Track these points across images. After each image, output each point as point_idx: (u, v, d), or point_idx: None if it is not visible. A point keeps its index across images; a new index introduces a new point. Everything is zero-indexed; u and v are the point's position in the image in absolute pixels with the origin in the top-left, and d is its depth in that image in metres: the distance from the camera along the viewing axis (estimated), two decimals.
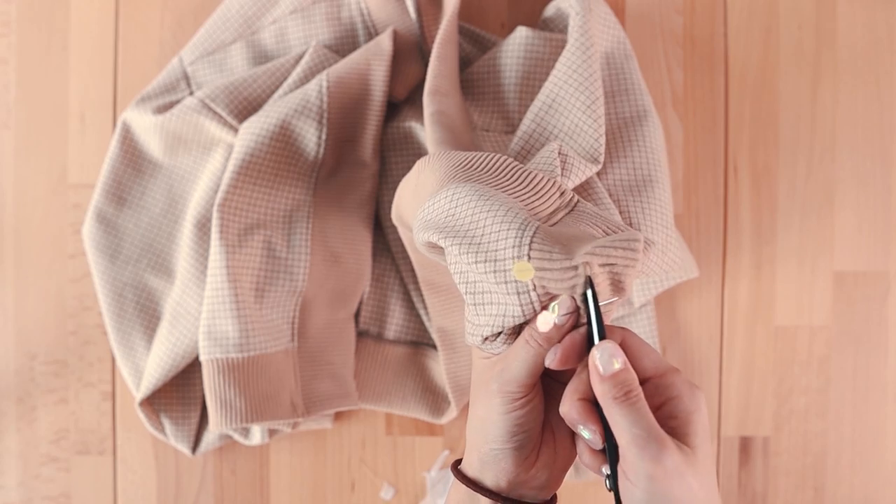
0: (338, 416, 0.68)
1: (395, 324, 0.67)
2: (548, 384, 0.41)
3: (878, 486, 0.67)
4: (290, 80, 0.63)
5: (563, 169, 0.47)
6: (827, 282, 0.67)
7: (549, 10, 0.63)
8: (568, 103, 0.51)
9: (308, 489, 0.68)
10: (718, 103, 0.67)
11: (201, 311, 0.61)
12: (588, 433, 0.36)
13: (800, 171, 0.67)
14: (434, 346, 0.67)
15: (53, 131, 0.68)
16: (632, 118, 0.57)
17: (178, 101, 0.65)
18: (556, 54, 0.60)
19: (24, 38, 0.68)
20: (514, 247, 0.37)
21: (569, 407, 0.37)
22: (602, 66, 0.57)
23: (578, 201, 0.44)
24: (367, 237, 0.65)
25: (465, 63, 0.65)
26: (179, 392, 0.66)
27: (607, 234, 0.41)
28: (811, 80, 0.67)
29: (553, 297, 0.37)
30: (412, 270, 0.65)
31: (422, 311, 0.66)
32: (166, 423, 0.65)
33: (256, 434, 0.65)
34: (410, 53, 0.64)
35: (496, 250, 0.38)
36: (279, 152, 0.61)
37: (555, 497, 0.42)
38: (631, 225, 0.52)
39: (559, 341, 0.37)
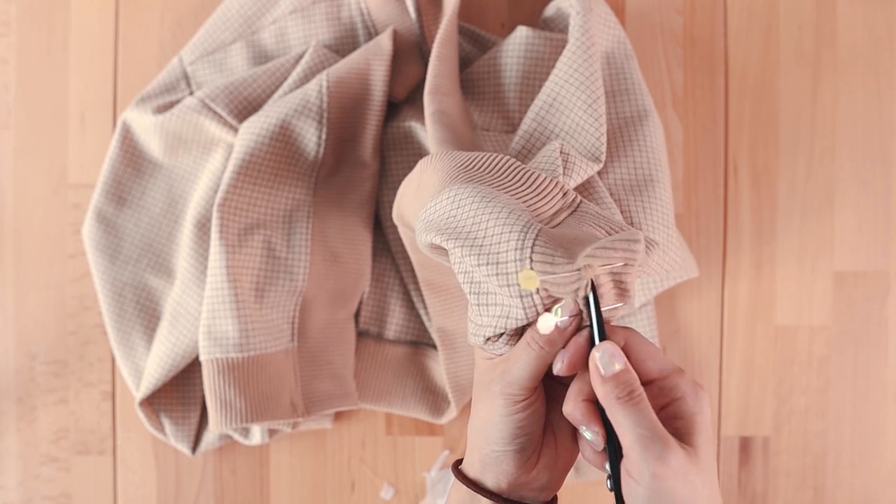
0: (338, 416, 0.68)
1: (395, 324, 0.67)
2: (549, 385, 0.41)
3: (878, 486, 0.68)
4: (290, 80, 0.63)
5: (564, 168, 0.47)
6: (827, 282, 0.67)
7: (550, 10, 0.63)
8: (569, 102, 0.51)
9: (308, 489, 0.68)
10: (718, 103, 0.67)
11: (201, 311, 0.61)
12: (591, 434, 0.37)
13: (800, 171, 0.67)
14: (434, 346, 0.67)
15: (53, 131, 0.68)
16: (632, 118, 0.57)
17: (178, 101, 0.65)
18: (557, 54, 0.60)
19: (24, 38, 0.68)
20: (516, 250, 0.37)
21: (572, 408, 0.37)
22: (602, 65, 0.57)
23: (581, 202, 0.44)
24: (367, 237, 0.65)
25: (465, 63, 0.65)
26: (179, 392, 0.66)
27: (610, 235, 0.41)
28: (811, 80, 0.67)
29: (556, 300, 0.37)
30: (412, 270, 0.65)
31: (422, 311, 0.66)
32: (166, 423, 0.65)
33: (256, 434, 0.65)
34: (410, 53, 0.64)
35: (497, 253, 0.38)
36: (279, 152, 0.61)
37: (555, 498, 0.42)
38: (632, 224, 0.52)
39: (563, 345, 0.38)
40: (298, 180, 0.62)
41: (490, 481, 0.40)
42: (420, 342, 0.68)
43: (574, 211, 0.43)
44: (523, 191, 0.42)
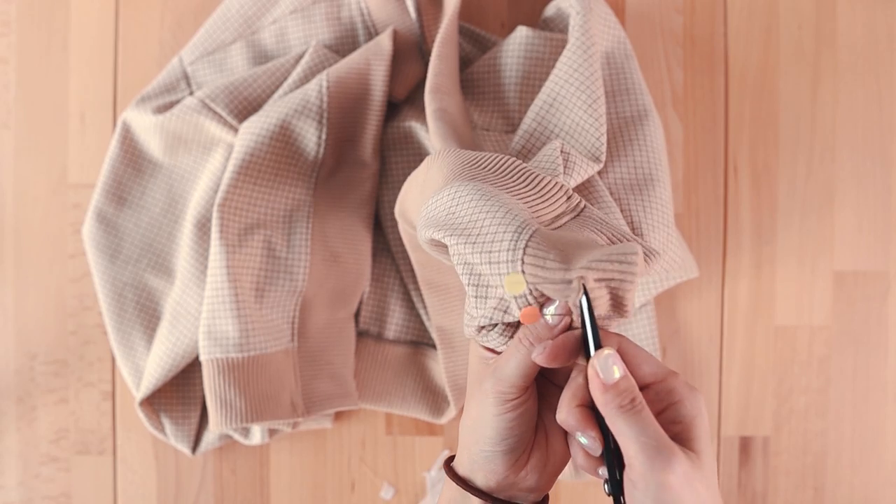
0: (338, 416, 0.68)
1: (395, 324, 0.67)
2: (543, 386, 0.41)
3: (878, 486, 0.67)
4: (290, 80, 0.63)
5: (565, 167, 0.47)
6: (827, 282, 0.67)
7: (550, 10, 0.63)
8: (569, 102, 0.51)
9: (308, 489, 0.68)
10: (718, 103, 0.67)
11: (201, 311, 0.61)
12: (586, 440, 0.36)
13: (800, 171, 0.67)
14: (434, 346, 0.67)
15: (53, 131, 0.68)
16: (632, 117, 0.57)
17: (178, 101, 0.65)
18: (557, 54, 0.60)
19: (24, 38, 0.68)
20: (508, 250, 0.37)
21: (566, 414, 0.37)
22: (602, 65, 0.57)
23: (585, 206, 0.44)
24: (367, 237, 0.65)
25: (465, 63, 0.65)
26: (179, 392, 0.66)
27: (612, 242, 0.41)
28: (811, 80, 0.67)
29: (549, 299, 0.37)
30: (412, 270, 0.65)
31: (422, 311, 0.66)
32: (166, 422, 0.65)
33: (256, 434, 0.65)
34: (410, 53, 0.64)
35: (490, 252, 0.38)
36: (279, 152, 0.61)
37: (546, 498, 0.42)
38: (632, 224, 0.52)
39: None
40: (298, 180, 0.62)
41: (479, 480, 0.40)
42: (420, 342, 0.68)
43: (577, 215, 0.43)
44: (526, 192, 0.42)
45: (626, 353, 0.37)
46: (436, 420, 0.66)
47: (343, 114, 0.62)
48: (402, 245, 0.66)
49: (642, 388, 0.37)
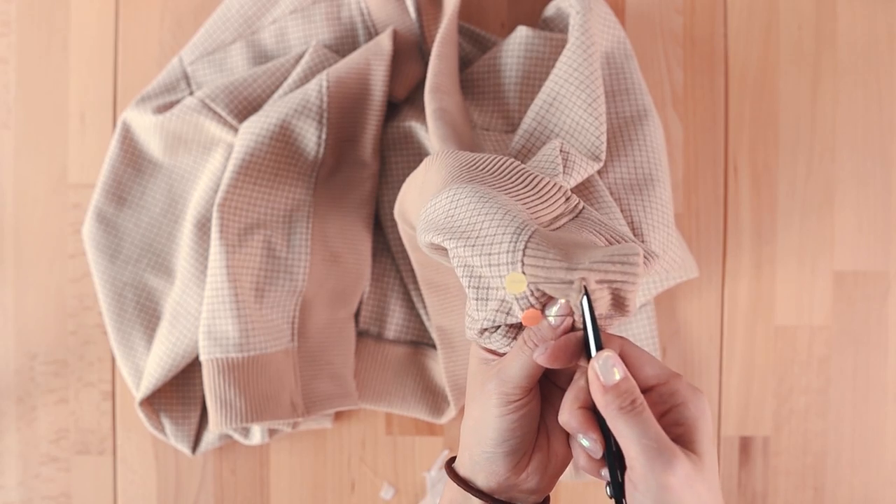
0: (338, 416, 0.68)
1: (395, 323, 0.67)
2: (545, 388, 0.41)
3: (878, 486, 0.67)
4: (290, 80, 0.63)
5: (564, 167, 0.47)
6: (827, 282, 0.67)
7: (550, 10, 0.63)
8: (569, 101, 0.51)
9: (308, 489, 0.68)
10: (718, 103, 0.67)
11: (201, 311, 0.61)
12: (588, 442, 0.36)
13: (800, 171, 0.67)
14: (434, 346, 0.67)
15: (53, 131, 0.68)
16: (632, 117, 0.57)
17: (178, 101, 0.65)
18: (557, 54, 0.60)
19: (24, 38, 0.68)
20: (508, 252, 0.37)
21: (568, 416, 0.37)
22: (602, 65, 0.57)
23: (584, 208, 0.43)
24: (367, 237, 0.65)
25: (465, 63, 0.65)
26: (179, 392, 0.66)
27: (610, 244, 0.41)
28: (811, 80, 0.67)
29: (551, 299, 0.37)
30: (412, 270, 0.65)
31: (422, 311, 0.66)
32: (166, 422, 0.65)
33: (256, 434, 0.65)
34: (410, 53, 0.64)
35: (490, 254, 0.38)
36: (279, 152, 0.61)
37: (548, 499, 0.42)
38: (632, 224, 0.52)
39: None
40: (298, 180, 0.62)
41: (481, 481, 0.40)
42: (420, 342, 0.68)
43: (576, 217, 0.43)
44: (525, 194, 0.42)
45: (629, 356, 0.37)
46: (436, 420, 0.66)
47: (343, 114, 0.62)
48: (402, 245, 0.66)
49: (645, 390, 0.37)
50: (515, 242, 0.37)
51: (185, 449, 0.66)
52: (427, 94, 0.56)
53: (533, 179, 0.43)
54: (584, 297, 0.35)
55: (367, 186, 0.65)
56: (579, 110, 0.51)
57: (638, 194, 0.53)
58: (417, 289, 0.66)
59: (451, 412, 0.65)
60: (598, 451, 0.36)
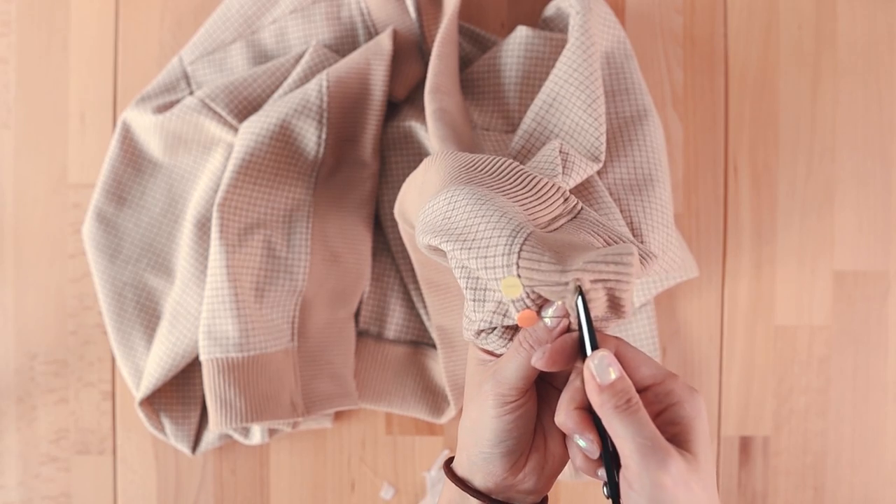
0: (338, 416, 0.68)
1: (395, 323, 0.67)
2: (542, 388, 0.41)
3: (878, 486, 0.67)
4: (290, 80, 0.63)
5: (564, 167, 0.47)
6: (827, 282, 0.67)
7: (550, 10, 0.63)
8: (569, 102, 0.51)
9: (308, 489, 0.68)
10: (718, 103, 0.67)
11: (201, 311, 0.61)
12: (585, 442, 0.36)
13: (800, 171, 0.67)
14: (434, 346, 0.67)
15: (53, 131, 0.68)
16: (632, 117, 0.57)
17: (178, 101, 0.65)
18: (557, 54, 0.60)
19: (24, 38, 0.68)
20: (504, 255, 0.37)
21: (564, 416, 0.37)
22: (602, 65, 0.57)
23: (582, 209, 0.43)
24: (367, 237, 0.65)
25: (465, 63, 0.65)
26: (179, 392, 0.66)
27: (608, 244, 0.41)
28: (811, 80, 0.67)
29: (547, 301, 0.37)
30: (412, 270, 0.65)
31: (422, 311, 0.66)
32: (166, 422, 0.65)
33: (256, 434, 0.65)
34: (410, 53, 0.64)
35: (486, 257, 0.38)
36: (279, 152, 0.61)
37: (545, 499, 0.42)
38: (632, 224, 0.52)
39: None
40: (298, 180, 0.62)
41: (478, 481, 0.40)
42: (420, 342, 0.68)
43: (574, 217, 0.43)
44: (524, 195, 0.42)
45: (625, 356, 0.37)
46: (436, 420, 0.66)
47: (343, 113, 0.62)
48: (402, 245, 0.66)
49: (641, 390, 0.37)
50: (511, 245, 0.37)
51: (185, 449, 0.66)
52: (427, 95, 0.56)
53: (531, 180, 0.43)
54: (579, 297, 0.35)
55: (367, 186, 0.65)
56: (579, 111, 0.51)
57: (637, 194, 0.53)
58: (417, 288, 0.66)
59: (450, 412, 0.65)
60: (594, 452, 0.36)
